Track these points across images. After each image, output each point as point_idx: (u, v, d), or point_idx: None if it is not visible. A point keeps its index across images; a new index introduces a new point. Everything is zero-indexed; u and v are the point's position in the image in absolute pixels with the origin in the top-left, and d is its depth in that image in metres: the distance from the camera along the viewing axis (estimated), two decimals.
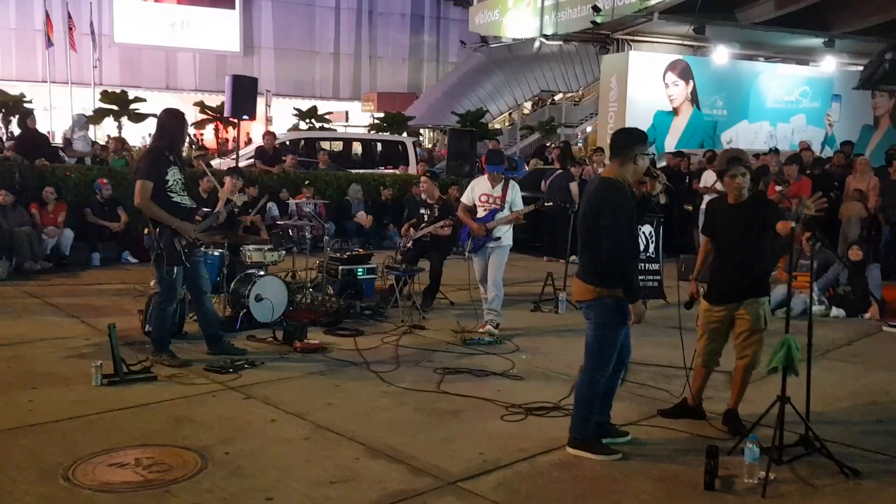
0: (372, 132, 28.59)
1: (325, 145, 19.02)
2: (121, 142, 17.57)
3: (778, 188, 10.92)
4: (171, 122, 6.75)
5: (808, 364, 5.11)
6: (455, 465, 4.74)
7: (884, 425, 5.77)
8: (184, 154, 8.63)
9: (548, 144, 19.14)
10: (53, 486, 4.31)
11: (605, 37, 25.64)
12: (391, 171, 17.47)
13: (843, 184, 12.79)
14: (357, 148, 20.46)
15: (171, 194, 6.57)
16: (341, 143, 20.46)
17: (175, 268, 6.61)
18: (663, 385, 6.47)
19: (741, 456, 4.67)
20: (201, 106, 32.07)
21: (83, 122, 15.18)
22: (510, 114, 39.28)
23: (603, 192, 4.86)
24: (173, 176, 6.59)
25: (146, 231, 6.69)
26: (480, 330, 8.03)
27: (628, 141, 5.03)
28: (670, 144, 21.14)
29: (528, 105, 39.42)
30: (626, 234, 4.80)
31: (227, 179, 9.19)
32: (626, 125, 18.91)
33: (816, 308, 9.31)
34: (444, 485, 4.49)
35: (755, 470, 4.56)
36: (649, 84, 22.02)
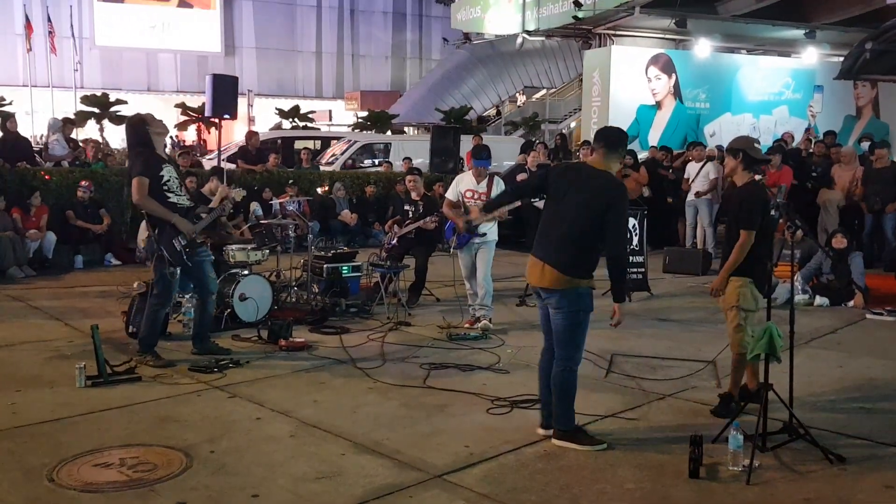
0: (356, 131, 28.52)
1: (303, 144, 18.94)
2: (96, 144, 17.50)
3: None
4: (138, 127, 6.62)
5: (790, 352, 5.15)
6: (441, 459, 4.75)
7: (867, 411, 5.81)
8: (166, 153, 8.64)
9: (534, 141, 19.13)
10: (38, 488, 4.29)
11: (587, 32, 25.65)
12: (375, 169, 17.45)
13: (823, 173, 12.86)
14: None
15: (168, 193, 6.52)
16: (320, 141, 20.34)
17: (177, 268, 6.58)
18: (647, 375, 6.50)
19: (725, 444, 4.70)
20: (183, 107, 31.97)
21: (58, 125, 15.09)
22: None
23: (616, 192, 4.91)
24: (169, 173, 6.55)
25: (142, 240, 6.63)
26: (473, 326, 8.04)
27: (621, 139, 5.14)
28: (654, 138, 21.18)
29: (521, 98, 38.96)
30: (625, 235, 4.92)
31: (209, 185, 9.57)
32: (610, 120, 19.02)
33: (800, 297, 9.36)
34: (430, 478, 4.49)
35: (739, 457, 4.58)
36: (632, 78, 22.04)
